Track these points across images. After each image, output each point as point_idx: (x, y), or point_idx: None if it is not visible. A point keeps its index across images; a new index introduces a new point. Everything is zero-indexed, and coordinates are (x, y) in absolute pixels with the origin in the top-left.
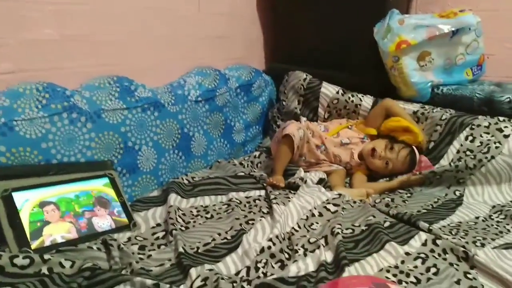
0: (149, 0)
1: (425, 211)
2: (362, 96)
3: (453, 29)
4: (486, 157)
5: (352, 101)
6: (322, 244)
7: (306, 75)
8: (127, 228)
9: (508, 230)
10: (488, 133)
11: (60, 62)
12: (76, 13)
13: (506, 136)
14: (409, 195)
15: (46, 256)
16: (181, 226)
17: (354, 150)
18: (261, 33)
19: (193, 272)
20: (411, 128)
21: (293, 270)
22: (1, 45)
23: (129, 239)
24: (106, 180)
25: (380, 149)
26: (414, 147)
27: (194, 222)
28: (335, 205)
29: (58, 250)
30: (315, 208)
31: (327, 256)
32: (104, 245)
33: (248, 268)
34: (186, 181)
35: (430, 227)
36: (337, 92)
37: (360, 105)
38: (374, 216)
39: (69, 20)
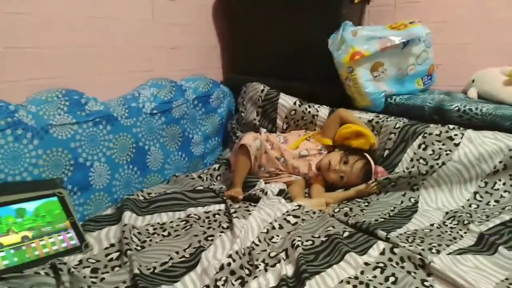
0: (100, 10)
1: (382, 219)
2: (319, 107)
3: (403, 40)
4: (438, 163)
5: (309, 111)
6: (283, 258)
7: (264, 87)
8: (78, 249)
9: (461, 236)
10: (439, 141)
11: (2, 76)
12: (20, 23)
13: (456, 145)
14: (366, 204)
15: None
16: (137, 245)
17: (312, 161)
18: (217, 44)
19: None
20: (362, 132)
21: (253, 286)
22: None
23: (80, 261)
24: (54, 199)
25: (334, 162)
26: (369, 158)
27: (151, 240)
28: (295, 216)
29: (2, 278)
30: (275, 221)
31: (288, 269)
32: (53, 270)
33: (208, 287)
34: (141, 197)
35: (388, 236)
36: (295, 103)
37: (317, 115)
38: (333, 227)
39: (12, 31)
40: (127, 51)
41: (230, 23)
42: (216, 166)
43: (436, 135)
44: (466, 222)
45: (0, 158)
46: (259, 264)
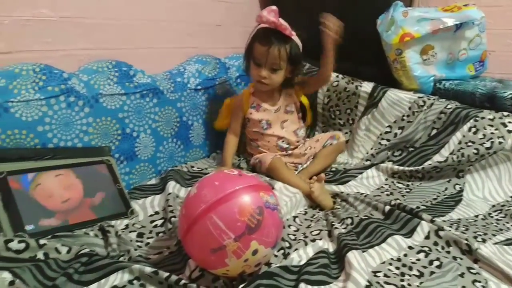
0: None
1: (424, 207)
2: (362, 81)
3: (457, 22)
4: (488, 153)
5: (352, 83)
6: (326, 235)
7: (305, 63)
8: (124, 215)
9: (508, 228)
10: (492, 126)
11: (56, 44)
12: None
13: (510, 131)
14: (408, 190)
15: (41, 241)
16: None
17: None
18: None
19: (192, 261)
20: None
21: (295, 259)
22: None
23: (126, 226)
24: (103, 166)
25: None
26: None
27: None
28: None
29: (54, 236)
30: None
31: (329, 246)
32: (101, 232)
33: None
34: (185, 169)
35: (433, 219)
36: (337, 76)
37: (360, 86)
38: (372, 214)
39: (66, 1)
40: (174, 27)
41: (274, 2)
42: None
43: (489, 119)
44: None
45: (53, 123)
46: (300, 238)
